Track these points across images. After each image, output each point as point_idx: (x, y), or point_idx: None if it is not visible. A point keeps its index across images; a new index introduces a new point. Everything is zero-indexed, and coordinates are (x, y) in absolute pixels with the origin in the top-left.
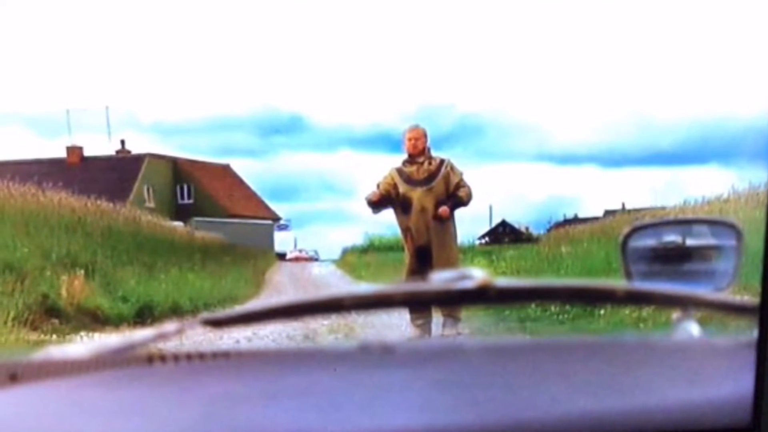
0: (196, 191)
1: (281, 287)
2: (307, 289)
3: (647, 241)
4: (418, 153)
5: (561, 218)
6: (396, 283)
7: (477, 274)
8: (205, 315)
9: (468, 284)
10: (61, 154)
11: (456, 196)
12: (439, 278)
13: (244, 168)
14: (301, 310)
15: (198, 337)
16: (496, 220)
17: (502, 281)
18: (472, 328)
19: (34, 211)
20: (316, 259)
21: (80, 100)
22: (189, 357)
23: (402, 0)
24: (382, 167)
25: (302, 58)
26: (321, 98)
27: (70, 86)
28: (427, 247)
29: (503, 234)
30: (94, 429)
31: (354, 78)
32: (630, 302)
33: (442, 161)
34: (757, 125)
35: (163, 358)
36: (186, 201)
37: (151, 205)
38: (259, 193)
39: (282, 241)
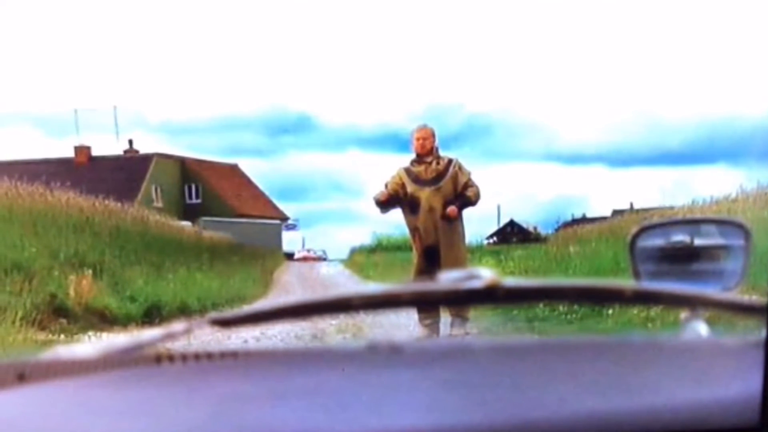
0: (204, 191)
1: (289, 287)
2: (315, 288)
3: (655, 241)
4: (426, 153)
5: (569, 218)
6: (404, 282)
7: (485, 274)
8: (213, 315)
9: (476, 284)
10: (69, 153)
11: (464, 195)
12: (447, 278)
13: (252, 168)
14: (309, 310)
15: (206, 337)
16: (504, 220)
17: (511, 281)
18: (480, 327)
19: (42, 211)
20: (324, 259)
21: (88, 100)
22: (197, 357)
23: (411, 2)
24: (390, 167)
25: (310, 58)
26: (329, 98)
27: (79, 86)
28: (435, 247)
29: (511, 234)
30: (101, 429)
31: (362, 78)
32: (638, 302)
33: (450, 161)
34: (765, 125)
35: (171, 358)
36: (194, 201)
37: (159, 204)
38: (267, 192)
39: (290, 241)
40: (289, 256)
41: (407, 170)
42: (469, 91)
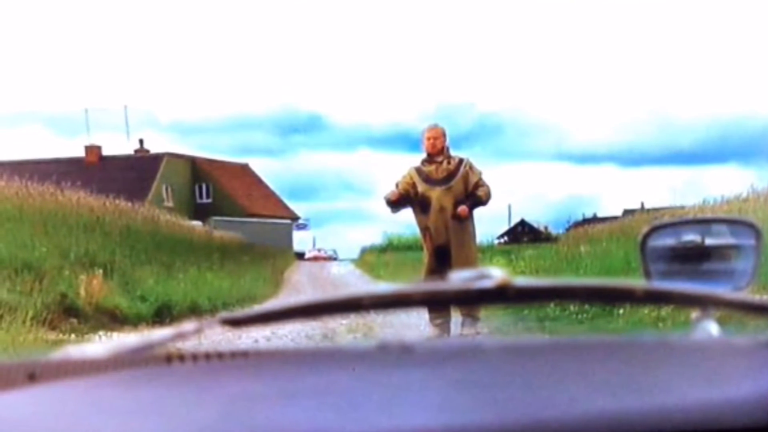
0: (215, 190)
1: (300, 286)
2: (325, 288)
3: (666, 241)
4: (437, 152)
5: (580, 217)
6: (415, 282)
7: (496, 274)
8: (224, 314)
9: (487, 284)
10: (80, 153)
11: (475, 195)
12: (458, 277)
13: (262, 167)
14: (320, 310)
15: (217, 337)
16: (515, 220)
17: (521, 281)
18: (491, 327)
19: (52, 211)
20: (335, 259)
21: (99, 99)
22: (207, 356)
23: (422, 1)
24: (401, 166)
25: (321, 58)
26: (340, 98)
27: (89, 86)
28: (445, 247)
29: (522, 233)
30: (112, 429)
31: (373, 77)
32: (649, 302)
33: (461, 160)
34: None
35: (181, 357)
36: (205, 200)
37: (170, 204)
38: (277, 192)
39: (301, 241)
40: (300, 256)
41: (418, 170)
42: (480, 91)
